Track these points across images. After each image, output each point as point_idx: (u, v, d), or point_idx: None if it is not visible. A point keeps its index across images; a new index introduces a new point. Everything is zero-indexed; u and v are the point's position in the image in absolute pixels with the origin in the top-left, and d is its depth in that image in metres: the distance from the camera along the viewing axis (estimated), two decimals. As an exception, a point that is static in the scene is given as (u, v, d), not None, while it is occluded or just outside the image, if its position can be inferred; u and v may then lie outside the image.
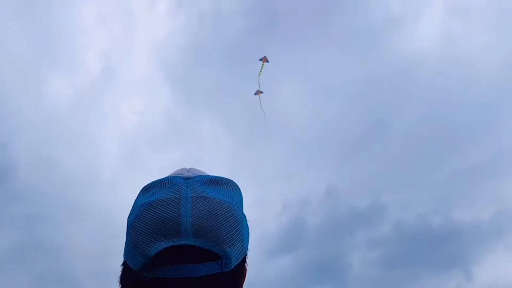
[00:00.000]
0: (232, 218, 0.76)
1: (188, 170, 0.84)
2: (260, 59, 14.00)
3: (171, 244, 0.72)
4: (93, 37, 22.70)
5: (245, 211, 0.83)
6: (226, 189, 0.80)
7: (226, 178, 0.83)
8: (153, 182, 0.81)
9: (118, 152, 22.45)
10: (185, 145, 23.36)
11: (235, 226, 0.76)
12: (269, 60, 14.09)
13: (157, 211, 0.74)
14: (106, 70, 22.30)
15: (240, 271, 0.78)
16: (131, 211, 0.79)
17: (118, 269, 0.79)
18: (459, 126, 21.20)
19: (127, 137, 22.95)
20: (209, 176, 0.82)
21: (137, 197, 0.81)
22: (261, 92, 14.34)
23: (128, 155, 22.97)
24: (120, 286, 0.78)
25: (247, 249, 0.81)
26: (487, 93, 20.49)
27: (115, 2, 22.86)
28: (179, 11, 22.15)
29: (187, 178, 0.79)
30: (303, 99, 22.12)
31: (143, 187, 0.82)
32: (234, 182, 0.84)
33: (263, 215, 21.51)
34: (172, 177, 0.81)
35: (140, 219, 0.75)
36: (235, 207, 0.78)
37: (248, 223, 0.85)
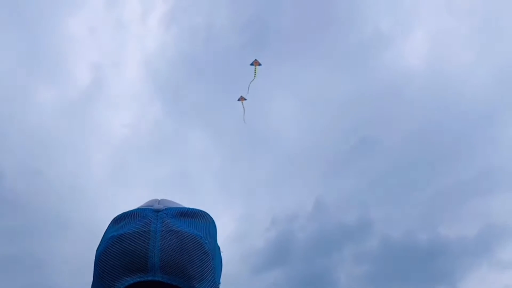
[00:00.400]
0: (202, 253, 0.74)
1: (159, 202, 0.82)
2: (252, 64, 13.86)
3: (138, 279, 0.71)
4: (83, 48, 22.69)
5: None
6: (197, 221, 0.78)
7: (198, 210, 0.81)
8: (123, 214, 0.79)
9: (106, 165, 22.30)
10: (174, 159, 23.29)
11: (205, 261, 0.74)
12: (261, 63, 13.96)
13: (124, 245, 0.72)
14: (95, 82, 22.26)
15: None
16: (99, 243, 0.78)
17: None
18: (446, 143, 21.45)
19: (116, 150, 22.83)
20: (180, 208, 0.79)
21: (107, 228, 0.80)
22: (245, 99, 14.32)
23: (116, 168, 22.82)
24: None
25: (219, 283, 0.79)
26: (473, 110, 20.79)
27: (106, 14, 22.90)
28: (171, 25, 22.27)
29: (158, 211, 0.77)
30: (293, 114, 22.24)
31: (114, 218, 0.80)
32: (207, 214, 0.82)
33: (251, 230, 21.46)
34: (142, 209, 0.79)
35: (107, 253, 0.73)
36: (207, 241, 0.76)
37: (222, 254, 0.83)
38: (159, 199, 0.83)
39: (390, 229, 21.05)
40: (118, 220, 0.79)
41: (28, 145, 20.89)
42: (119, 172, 22.89)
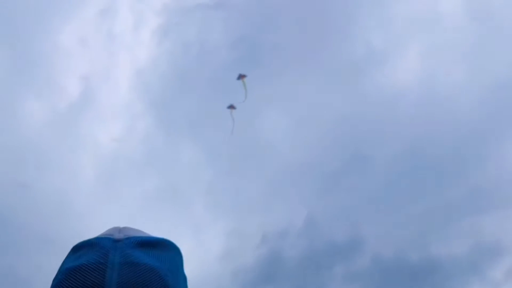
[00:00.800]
0: (161, 287, 0.71)
1: (120, 231, 0.78)
2: (238, 78, 14.11)
3: None
4: (73, 60, 22.52)
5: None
6: (160, 252, 0.75)
7: (161, 239, 0.78)
8: (81, 243, 0.77)
9: (94, 179, 22.01)
10: (164, 173, 23.08)
11: None
12: (246, 74, 14.24)
13: (80, 278, 0.69)
14: (85, 95, 22.05)
15: None
16: (56, 274, 0.75)
17: None
18: (438, 162, 21.63)
19: (104, 164, 22.55)
20: (142, 237, 0.76)
21: (66, 257, 0.77)
22: (234, 108, 14.45)
23: (104, 183, 22.53)
24: None
25: None
26: (465, 128, 21.04)
27: (97, 25, 22.76)
28: (163, 38, 22.19)
29: (117, 241, 0.74)
30: (285, 130, 22.27)
31: (73, 247, 0.78)
32: (171, 243, 0.79)
33: (242, 246, 21.28)
34: (101, 238, 0.76)
35: (62, 287, 0.70)
36: (168, 273, 0.73)
37: (189, 283, 0.80)
38: (121, 227, 0.80)
39: (381, 247, 21.07)
40: (76, 249, 0.76)
41: (14, 158, 20.58)
42: (107, 186, 22.61)
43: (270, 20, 22.18)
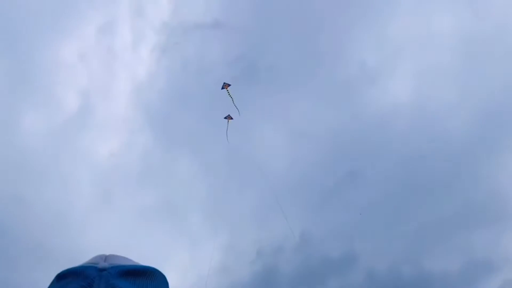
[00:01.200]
0: None
1: (105, 259, 0.77)
2: (222, 88, 14.37)
3: None
4: (73, 75, 22.66)
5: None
6: (144, 280, 0.74)
7: (146, 267, 0.76)
8: (66, 271, 0.75)
9: (92, 193, 22.02)
10: (161, 188, 23.13)
11: None
12: (229, 83, 14.54)
13: None
14: (84, 109, 22.19)
15: None
16: None
17: None
18: (430, 179, 21.78)
19: (103, 178, 22.58)
20: (127, 266, 0.75)
21: (50, 285, 0.76)
22: (231, 118, 14.69)
23: (102, 197, 22.54)
24: None
25: None
26: (456, 147, 21.25)
27: (96, 42, 23.01)
28: (162, 55, 22.47)
29: (102, 270, 0.73)
30: (281, 147, 22.45)
31: (57, 275, 0.76)
32: (157, 271, 0.77)
33: (237, 262, 21.28)
34: (86, 266, 0.75)
35: None
36: None
37: None
38: (107, 254, 0.78)
39: (375, 262, 21.13)
40: (61, 277, 0.75)
41: (13, 171, 20.54)
42: (105, 200, 22.61)
43: (267, 39, 22.56)
